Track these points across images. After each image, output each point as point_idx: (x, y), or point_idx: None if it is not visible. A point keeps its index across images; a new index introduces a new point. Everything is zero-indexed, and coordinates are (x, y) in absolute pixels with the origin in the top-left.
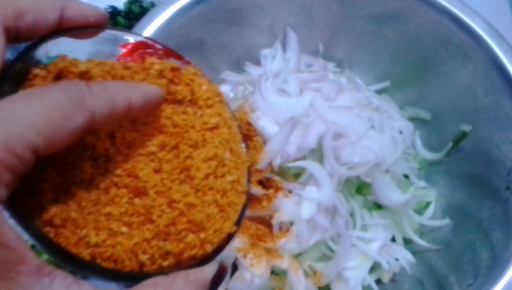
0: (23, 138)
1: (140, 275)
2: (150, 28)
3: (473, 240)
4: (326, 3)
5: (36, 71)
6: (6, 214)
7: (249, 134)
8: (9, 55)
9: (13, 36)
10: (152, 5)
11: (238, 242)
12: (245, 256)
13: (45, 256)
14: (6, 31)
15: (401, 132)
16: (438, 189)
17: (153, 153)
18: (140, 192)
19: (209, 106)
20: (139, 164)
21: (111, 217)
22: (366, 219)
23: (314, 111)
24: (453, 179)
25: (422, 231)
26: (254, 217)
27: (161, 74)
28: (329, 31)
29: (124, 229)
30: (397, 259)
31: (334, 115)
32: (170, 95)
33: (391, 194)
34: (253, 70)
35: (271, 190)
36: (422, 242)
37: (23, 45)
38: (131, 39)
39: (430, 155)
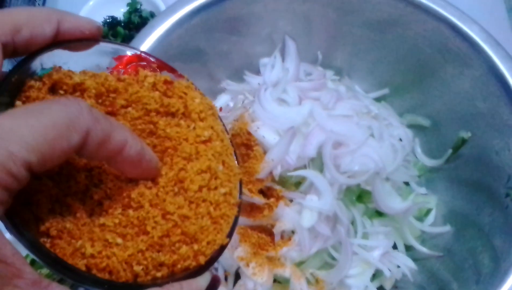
0: (18, 157)
1: (134, 286)
2: (150, 39)
3: (474, 246)
4: (324, 12)
5: (31, 82)
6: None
7: (249, 144)
8: (7, 67)
9: (11, 50)
10: (152, 15)
11: (240, 251)
12: (247, 265)
13: (45, 271)
14: (4, 46)
15: (400, 139)
16: (438, 196)
17: None
18: (134, 204)
19: (202, 119)
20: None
21: (106, 228)
22: (367, 227)
23: (314, 120)
24: (454, 186)
25: (423, 238)
26: (256, 226)
27: (154, 86)
28: (327, 39)
29: (119, 240)
30: (398, 266)
31: (334, 124)
32: (163, 107)
33: (392, 202)
34: (252, 79)
35: (272, 199)
36: (423, 249)
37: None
38: (125, 52)
39: (430, 162)
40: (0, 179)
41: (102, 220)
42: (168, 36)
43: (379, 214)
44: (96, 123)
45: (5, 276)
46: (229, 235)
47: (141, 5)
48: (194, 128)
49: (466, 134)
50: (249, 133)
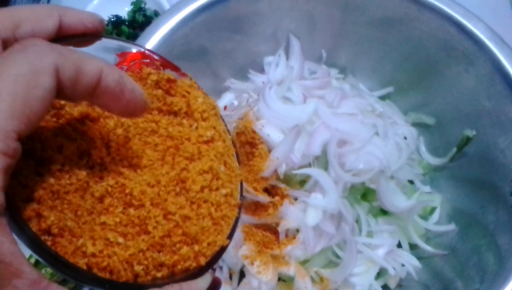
0: (3, 132)
1: (134, 286)
2: (154, 37)
3: (479, 245)
4: (328, 10)
5: None
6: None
7: (254, 142)
8: None
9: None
10: (156, 14)
11: (245, 250)
12: (252, 263)
13: (50, 270)
14: (4, 42)
15: (405, 138)
16: (443, 194)
17: (148, 164)
18: (135, 202)
19: (204, 119)
20: (134, 174)
21: (106, 227)
22: (371, 225)
23: (318, 118)
24: (458, 184)
25: (428, 237)
26: (261, 224)
27: (157, 84)
28: (332, 38)
29: (120, 239)
30: (403, 265)
31: (338, 122)
32: (166, 106)
33: (396, 200)
34: (257, 78)
35: (277, 198)
36: (428, 248)
37: None
38: (130, 48)
39: (434, 161)
40: None
41: (103, 218)
42: (172, 35)
43: (383, 212)
44: (62, 57)
45: (3, 276)
46: (230, 237)
47: (145, 4)
48: (197, 127)
49: (470, 133)
50: (253, 132)
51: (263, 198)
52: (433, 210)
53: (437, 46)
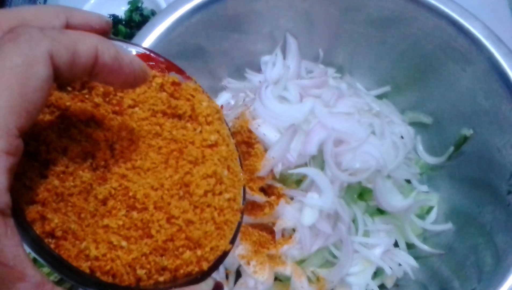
0: (5, 130)
1: None
2: (151, 36)
3: (476, 244)
4: (325, 9)
5: None
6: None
7: (250, 142)
8: None
9: None
10: (153, 13)
11: (241, 249)
12: (248, 263)
13: (46, 269)
14: None
15: (402, 137)
16: (440, 193)
17: (152, 167)
18: (138, 205)
19: (208, 123)
20: (137, 176)
21: (109, 230)
22: (368, 225)
23: (315, 117)
24: (455, 183)
25: (425, 236)
26: (257, 224)
27: (162, 87)
28: (329, 37)
29: (124, 243)
30: (400, 264)
31: (335, 121)
32: (170, 109)
33: (393, 199)
34: (253, 77)
35: (273, 197)
36: (425, 247)
37: None
38: (134, 50)
39: (431, 160)
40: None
41: (106, 221)
42: (169, 34)
43: (380, 212)
44: (55, 42)
45: (7, 279)
46: (232, 241)
47: (142, 3)
48: (201, 131)
49: (468, 132)
50: (250, 131)
51: (259, 197)
52: (430, 209)
53: (434, 45)
